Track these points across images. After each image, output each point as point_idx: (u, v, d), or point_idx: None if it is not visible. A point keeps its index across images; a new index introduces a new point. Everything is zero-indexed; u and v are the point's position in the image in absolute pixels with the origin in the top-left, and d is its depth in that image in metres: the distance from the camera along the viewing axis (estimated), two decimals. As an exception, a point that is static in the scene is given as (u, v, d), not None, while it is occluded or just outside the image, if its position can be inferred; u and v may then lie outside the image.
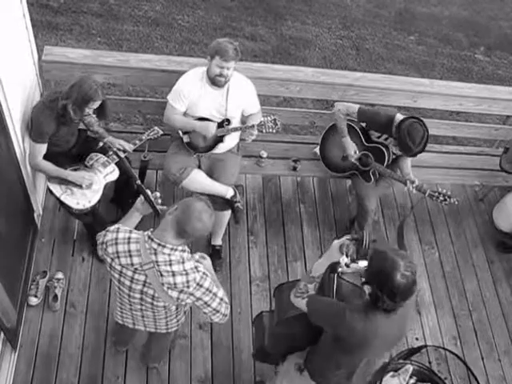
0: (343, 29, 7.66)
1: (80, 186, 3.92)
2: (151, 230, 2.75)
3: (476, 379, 4.11)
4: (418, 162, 4.60)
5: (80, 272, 4.30)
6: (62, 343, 3.98)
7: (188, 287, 2.74)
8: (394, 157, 4.42)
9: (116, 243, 2.75)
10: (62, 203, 3.98)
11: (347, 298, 2.95)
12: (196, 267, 2.77)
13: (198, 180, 4.16)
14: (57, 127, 3.80)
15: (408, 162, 4.42)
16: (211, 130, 4.09)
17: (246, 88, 4.17)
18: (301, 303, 2.91)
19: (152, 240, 2.68)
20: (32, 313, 4.06)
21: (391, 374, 3.98)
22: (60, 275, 4.22)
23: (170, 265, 2.69)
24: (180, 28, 7.00)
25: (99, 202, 4.00)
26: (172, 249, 2.68)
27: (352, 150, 4.40)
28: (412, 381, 4.00)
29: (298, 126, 5.75)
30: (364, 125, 4.46)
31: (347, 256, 2.77)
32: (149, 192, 3.00)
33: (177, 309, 3.05)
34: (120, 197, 4.46)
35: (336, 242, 2.86)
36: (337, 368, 2.97)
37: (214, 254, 4.53)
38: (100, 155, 4.08)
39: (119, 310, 3.19)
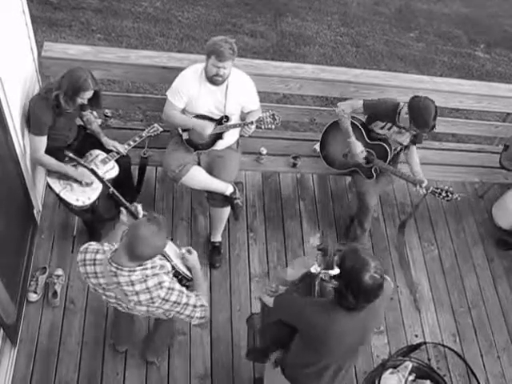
0: (343, 26, 7.66)
1: (80, 183, 3.92)
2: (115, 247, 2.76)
3: (475, 376, 4.11)
4: (419, 159, 4.59)
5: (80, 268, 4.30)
6: (62, 339, 3.99)
7: (153, 303, 2.77)
8: (396, 151, 4.45)
9: (84, 264, 2.80)
10: (61, 199, 3.98)
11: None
12: (160, 283, 2.74)
13: (197, 177, 4.15)
14: (54, 118, 3.80)
15: (416, 159, 4.45)
16: (208, 129, 4.08)
17: (245, 85, 4.16)
18: (268, 301, 2.97)
19: (111, 264, 2.69)
20: (32, 309, 4.07)
21: (390, 370, 3.99)
22: (60, 271, 4.22)
23: (133, 285, 2.71)
24: (180, 24, 7.00)
25: (98, 199, 3.99)
26: (130, 270, 2.68)
27: (359, 149, 4.41)
28: (411, 377, 4.00)
29: (298, 122, 5.75)
30: (365, 119, 4.48)
31: (319, 265, 2.78)
32: (129, 205, 3.04)
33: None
34: (120, 194, 4.45)
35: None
36: (304, 366, 2.96)
37: (214, 250, 4.54)
38: (100, 152, 4.08)
39: None
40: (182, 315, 2.89)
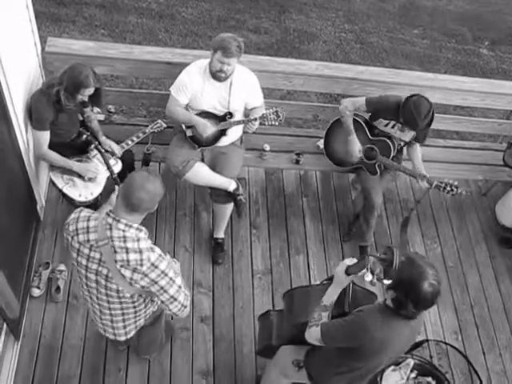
0: (347, 22, 7.64)
1: (83, 178, 3.93)
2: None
3: (477, 373, 4.11)
4: (421, 156, 4.58)
5: (82, 264, 4.31)
6: (65, 334, 3.99)
7: (141, 265, 2.67)
8: (399, 147, 4.46)
9: (77, 221, 2.76)
10: (64, 195, 3.99)
11: (361, 303, 2.95)
12: (152, 248, 2.72)
13: (200, 173, 4.15)
14: (55, 114, 3.79)
15: (419, 156, 4.43)
16: (208, 131, 4.09)
17: (249, 81, 4.16)
18: (314, 332, 2.83)
19: (108, 215, 2.67)
20: (35, 304, 4.07)
21: (392, 368, 3.98)
22: (62, 267, 4.23)
23: (125, 241, 2.66)
24: (183, 20, 6.99)
25: (101, 194, 4.00)
26: (127, 225, 2.65)
27: (357, 148, 4.42)
28: (413, 375, 4.00)
29: (301, 119, 5.74)
30: (369, 117, 4.47)
31: (373, 274, 2.73)
32: None
33: (134, 307, 2.97)
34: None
35: (340, 269, 2.83)
36: (338, 374, 2.96)
37: (217, 246, 4.54)
38: (101, 148, 4.08)
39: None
40: (166, 294, 2.77)
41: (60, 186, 3.95)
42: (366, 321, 2.67)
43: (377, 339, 2.65)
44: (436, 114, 4.28)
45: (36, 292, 4.09)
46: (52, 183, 4.04)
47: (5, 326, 3.61)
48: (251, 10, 7.41)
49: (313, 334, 2.84)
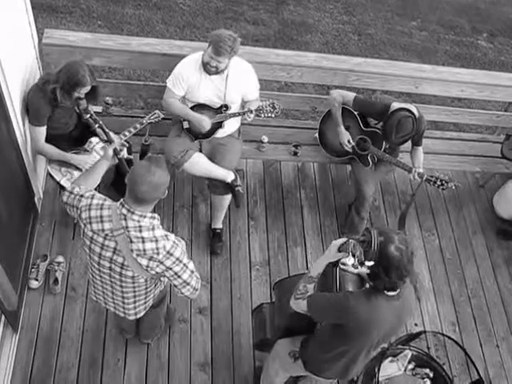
0: (345, 14, 7.61)
1: (80, 170, 3.92)
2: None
3: (474, 365, 4.13)
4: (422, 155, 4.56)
5: (80, 255, 4.30)
6: (63, 326, 4.00)
7: (158, 254, 2.74)
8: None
9: (89, 209, 2.78)
10: (62, 187, 3.98)
11: (350, 288, 2.98)
12: (166, 235, 2.77)
13: (198, 163, 4.15)
14: (52, 109, 3.78)
15: (419, 157, 4.41)
16: (205, 126, 4.09)
17: (246, 74, 4.15)
18: (301, 304, 2.87)
19: (123, 206, 2.70)
20: (33, 296, 4.08)
21: (390, 359, 4.00)
22: (60, 259, 4.23)
23: (140, 231, 2.70)
24: (181, 12, 6.96)
25: (99, 186, 3.98)
26: (141, 216, 2.69)
27: (346, 139, 4.43)
28: (410, 366, 4.02)
29: (299, 111, 5.74)
30: (357, 113, 4.47)
31: (354, 257, 2.72)
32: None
33: (146, 289, 3.04)
34: (121, 180, 4.42)
35: (335, 242, 2.82)
36: (330, 359, 2.98)
37: (215, 237, 4.55)
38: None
39: (92, 286, 3.19)
40: (179, 279, 2.84)
41: (58, 179, 3.95)
42: (348, 297, 2.72)
43: (361, 319, 2.68)
44: (434, 106, 4.27)
45: (34, 284, 4.09)
46: (50, 176, 4.03)
47: (3, 317, 3.61)
48: (249, 1, 7.37)
49: (299, 306, 2.88)
